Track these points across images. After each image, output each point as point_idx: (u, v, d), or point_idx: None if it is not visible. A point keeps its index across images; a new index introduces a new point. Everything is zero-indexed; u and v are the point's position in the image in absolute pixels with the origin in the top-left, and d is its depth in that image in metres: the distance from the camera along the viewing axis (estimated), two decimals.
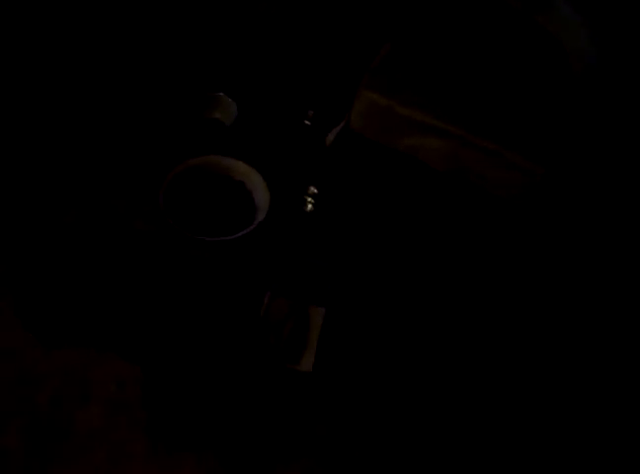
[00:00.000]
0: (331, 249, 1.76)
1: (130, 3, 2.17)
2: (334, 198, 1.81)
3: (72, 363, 1.50)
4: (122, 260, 1.68)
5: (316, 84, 2.03)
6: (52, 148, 1.89)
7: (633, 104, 1.54)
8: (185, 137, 1.92)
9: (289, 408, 1.51)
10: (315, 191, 1.80)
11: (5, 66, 2.03)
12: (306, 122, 1.94)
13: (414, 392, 1.57)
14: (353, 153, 1.67)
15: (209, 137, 1.92)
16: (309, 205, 1.81)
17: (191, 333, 1.59)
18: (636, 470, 1.48)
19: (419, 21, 1.57)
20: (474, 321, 1.69)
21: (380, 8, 1.79)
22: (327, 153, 1.70)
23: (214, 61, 2.12)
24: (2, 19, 2.08)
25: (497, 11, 1.53)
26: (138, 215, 1.77)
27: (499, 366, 1.62)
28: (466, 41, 1.54)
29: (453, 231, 1.78)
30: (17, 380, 1.47)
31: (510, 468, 1.48)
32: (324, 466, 1.44)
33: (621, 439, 1.53)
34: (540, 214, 1.48)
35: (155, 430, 1.43)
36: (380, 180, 1.74)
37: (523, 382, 1.61)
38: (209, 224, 1.72)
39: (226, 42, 2.15)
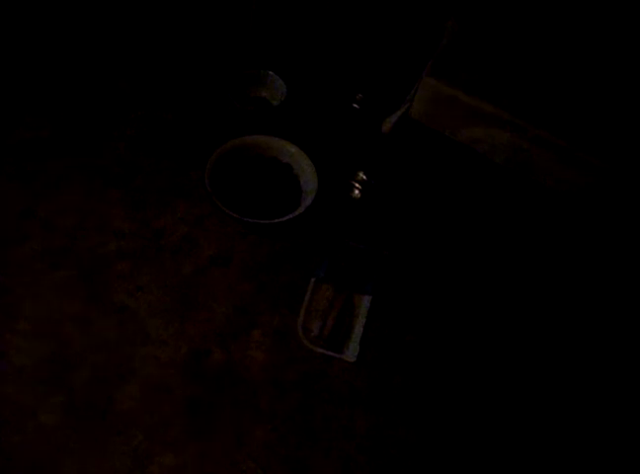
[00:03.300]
0: (379, 236, 1.73)
1: None
2: (385, 186, 1.77)
3: None
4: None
5: (367, 66, 1.99)
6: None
7: None
8: (230, 116, 1.88)
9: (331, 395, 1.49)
10: (364, 177, 1.77)
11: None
12: (355, 106, 1.90)
13: (459, 384, 1.55)
14: (409, 141, 1.63)
15: (256, 117, 1.88)
16: (356, 191, 1.78)
17: None
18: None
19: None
20: (524, 315, 1.67)
21: None
22: (381, 139, 1.67)
23: (265, 38, 2.08)
24: None
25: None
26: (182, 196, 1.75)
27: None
28: (537, 27, 1.49)
29: (507, 226, 1.75)
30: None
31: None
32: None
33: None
34: (601, 215, 1.45)
35: None
36: (435, 170, 1.71)
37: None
38: (255, 206, 1.68)
39: (278, 19, 2.10)
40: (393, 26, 1.92)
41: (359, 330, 1.57)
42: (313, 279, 1.63)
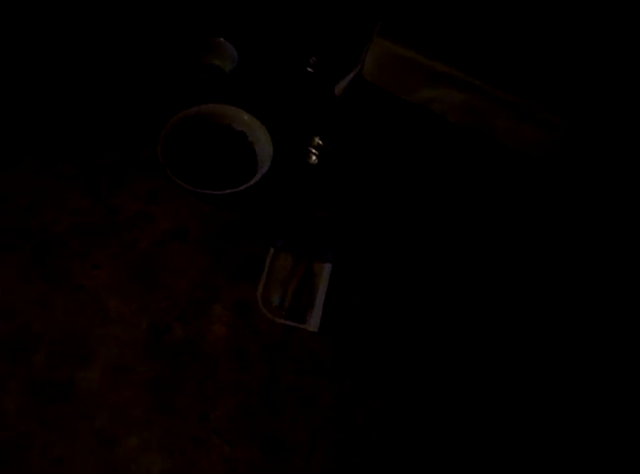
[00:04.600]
0: (337, 202, 1.70)
1: None
2: (341, 150, 1.74)
3: None
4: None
5: (320, 28, 1.94)
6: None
7: None
8: (181, 85, 1.83)
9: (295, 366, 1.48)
10: (320, 142, 1.74)
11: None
12: (309, 70, 1.86)
13: (420, 354, 1.54)
14: (364, 103, 1.60)
15: (208, 85, 1.83)
16: (313, 157, 1.75)
17: None
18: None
19: None
20: (479, 277, 1.66)
21: None
22: (335, 103, 1.63)
23: (213, 4, 2.02)
24: None
25: None
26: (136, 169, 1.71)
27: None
28: None
29: (465, 186, 1.73)
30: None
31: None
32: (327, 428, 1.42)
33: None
34: (560, 174, 1.43)
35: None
36: (391, 132, 1.68)
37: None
38: (210, 176, 1.65)
39: None
40: None
41: (320, 299, 1.56)
42: (272, 249, 1.61)
